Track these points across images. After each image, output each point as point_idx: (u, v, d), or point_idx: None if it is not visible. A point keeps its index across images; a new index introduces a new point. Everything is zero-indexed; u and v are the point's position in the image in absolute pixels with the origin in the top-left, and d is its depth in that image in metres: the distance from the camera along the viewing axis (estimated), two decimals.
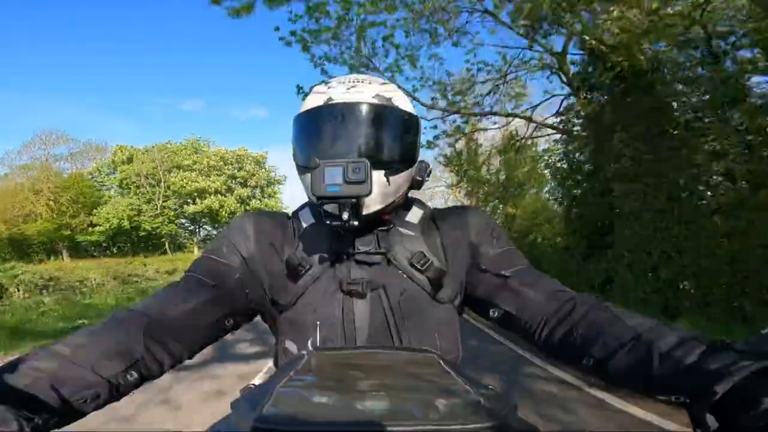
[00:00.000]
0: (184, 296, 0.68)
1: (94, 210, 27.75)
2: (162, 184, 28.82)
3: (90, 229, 27.59)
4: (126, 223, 27.36)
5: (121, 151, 29.61)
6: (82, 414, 0.54)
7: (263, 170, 30.73)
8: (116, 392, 0.58)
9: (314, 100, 0.72)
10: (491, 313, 0.74)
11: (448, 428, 0.40)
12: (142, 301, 0.67)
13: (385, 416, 0.41)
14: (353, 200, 0.63)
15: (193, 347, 0.67)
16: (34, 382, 0.49)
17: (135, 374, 0.59)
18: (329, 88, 0.72)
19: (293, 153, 0.75)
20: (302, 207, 0.80)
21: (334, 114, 0.69)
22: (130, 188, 29.28)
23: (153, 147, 29.64)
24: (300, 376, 0.51)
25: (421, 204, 0.81)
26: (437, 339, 0.71)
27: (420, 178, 0.77)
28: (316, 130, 0.71)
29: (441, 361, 0.59)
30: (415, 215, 0.78)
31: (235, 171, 29.53)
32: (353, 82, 0.72)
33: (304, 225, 0.76)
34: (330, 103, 0.70)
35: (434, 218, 0.80)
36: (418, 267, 0.72)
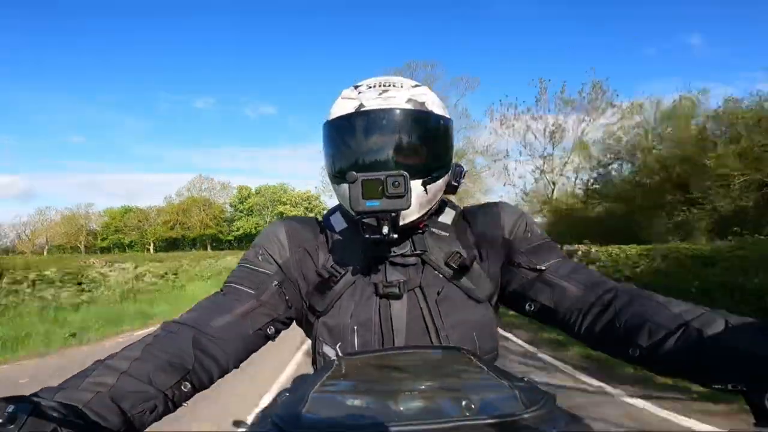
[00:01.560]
0: (227, 306, 0.68)
1: (233, 223, 51.58)
2: (269, 210, 52.11)
3: (230, 234, 51.58)
4: (253, 231, 48.84)
5: (243, 189, 54.08)
6: (140, 428, 0.54)
7: (320, 203, 51.35)
8: (171, 404, 0.58)
9: (344, 107, 0.69)
10: (527, 307, 0.71)
11: (485, 422, 0.39)
12: (188, 313, 0.67)
13: (421, 415, 0.41)
14: (393, 214, 0.62)
15: (238, 357, 0.67)
16: (96, 397, 0.49)
17: (188, 385, 0.60)
18: (359, 93, 0.69)
19: (326, 161, 0.73)
20: (332, 211, 0.80)
21: (368, 122, 0.67)
22: (253, 212, 52.46)
23: (260, 188, 53.87)
24: (332, 381, 0.52)
25: (451, 204, 0.80)
26: (476, 338, 0.69)
27: (456, 183, 0.75)
28: (349, 140, 0.69)
29: (472, 357, 0.58)
30: (447, 216, 0.77)
31: (306, 204, 51.79)
32: (384, 86, 0.69)
33: (337, 229, 0.76)
34: (362, 110, 0.67)
35: (466, 217, 0.78)
36: (455, 267, 0.71)
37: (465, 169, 0.77)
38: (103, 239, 49.04)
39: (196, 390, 0.62)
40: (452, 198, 0.83)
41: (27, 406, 0.41)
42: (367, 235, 0.65)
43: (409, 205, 0.61)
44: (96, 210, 48.92)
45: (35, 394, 0.46)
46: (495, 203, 0.79)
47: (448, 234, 0.75)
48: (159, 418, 0.56)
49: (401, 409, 0.43)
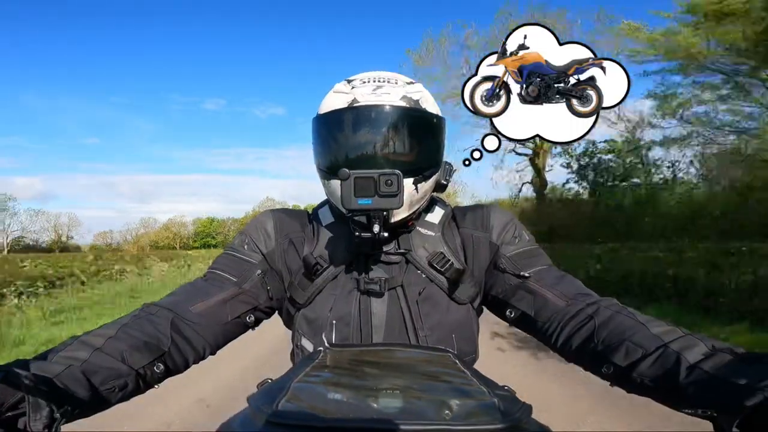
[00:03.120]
0: (208, 292, 0.67)
1: None
2: None
3: None
4: None
5: (295, 207, 62.39)
6: (108, 404, 0.54)
7: None
8: (143, 383, 0.58)
9: (337, 101, 0.68)
10: (508, 313, 0.70)
11: (461, 428, 0.39)
12: (169, 297, 0.67)
13: (399, 415, 0.41)
14: (384, 213, 0.61)
15: (215, 343, 0.67)
16: (66, 370, 0.49)
17: (162, 366, 0.59)
18: (353, 88, 0.68)
19: (315, 156, 0.71)
20: (321, 205, 0.79)
21: (361, 118, 0.65)
22: None
23: (309, 206, 59.95)
24: (316, 372, 0.52)
25: (442, 203, 0.79)
26: (454, 339, 0.69)
27: (445, 182, 0.74)
28: (341, 135, 0.67)
29: (457, 361, 0.57)
30: (435, 215, 0.76)
31: None
32: (379, 82, 0.68)
33: (324, 223, 0.75)
34: (355, 105, 0.66)
35: (455, 217, 0.76)
36: (438, 267, 0.70)
37: (454, 168, 0.75)
38: (194, 241, 58.26)
39: (170, 372, 0.62)
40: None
41: None
42: (357, 233, 0.65)
43: (402, 205, 0.61)
44: (187, 219, 56.94)
45: (9, 364, 0.46)
46: (485, 205, 0.77)
47: (434, 234, 0.73)
48: (129, 396, 0.57)
49: (381, 406, 0.43)
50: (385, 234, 0.63)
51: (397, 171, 0.60)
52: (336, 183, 0.63)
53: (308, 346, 0.70)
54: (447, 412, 0.42)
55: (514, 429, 0.40)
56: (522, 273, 0.69)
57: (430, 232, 0.73)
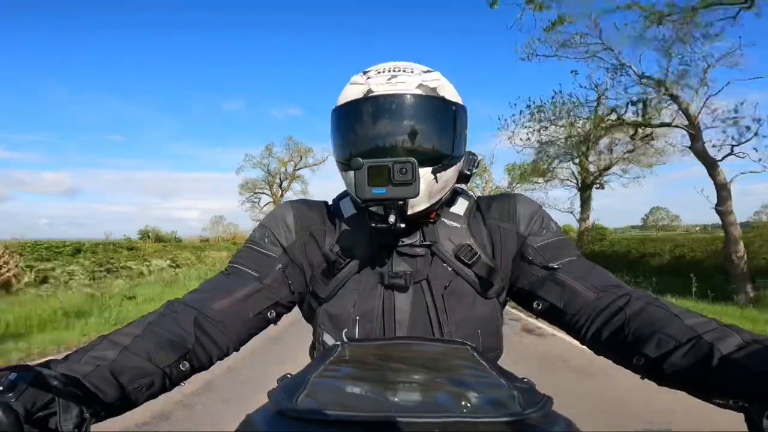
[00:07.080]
0: (229, 288, 0.66)
1: None
2: None
3: None
4: None
5: None
6: (135, 403, 0.54)
7: None
8: (169, 382, 0.57)
9: (353, 92, 0.66)
10: (535, 305, 0.68)
11: (480, 420, 0.38)
12: (191, 293, 0.66)
13: (418, 408, 0.40)
14: (400, 202, 0.59)
15: (238, 339, 0.66)
16: (96, 370, 0.49)
17: (187, 364, 0.59)
18: (368, 78, 0.66)
19: (333, 148, 0.70)
20: (342, 196, 0.76)
21: (376, 107, 0.64)
22: None
23: None
24: (334, 367, 0.52)
25: (465, 194, 0.76)
26: (480, 335, 0.67)
27: (468, 172, 0.71)
28: (356, 125, 0.66)
29: (475, 354, 0.56)
30: (460, 206, 0.73)
31: None
32: (394, 71, 0.66)
33: (345, 215, 0.72)
34: (371, 95, 0.64)
35: (480, 208, 0.74)
36: (465, 260, 0.68)
37: (478, 158, 0.72)
38: None
39: (194, 370, 0.61)
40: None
41: (28, 375, 0.41)
42: (373, 224, 0.63)
43: (418, 193, 0.58)
44: None
45: (41, 365, 0.46)
46: (511, 195, 0.75)
47: (459, 225, 0.71)
48: (155, 395, 0.56)
49: (400, 400, 0.42)
50: (402, 225, 0.60)
51: (412, 159, 0.58)
52: (353, 174, 0.61)
53: (330, 341, 0.68)
54: (466, 404, 0.41)
55: (535, 420, 0.39)
56: (550, 264, 0.66)
57: (455, 224, 0.71)
